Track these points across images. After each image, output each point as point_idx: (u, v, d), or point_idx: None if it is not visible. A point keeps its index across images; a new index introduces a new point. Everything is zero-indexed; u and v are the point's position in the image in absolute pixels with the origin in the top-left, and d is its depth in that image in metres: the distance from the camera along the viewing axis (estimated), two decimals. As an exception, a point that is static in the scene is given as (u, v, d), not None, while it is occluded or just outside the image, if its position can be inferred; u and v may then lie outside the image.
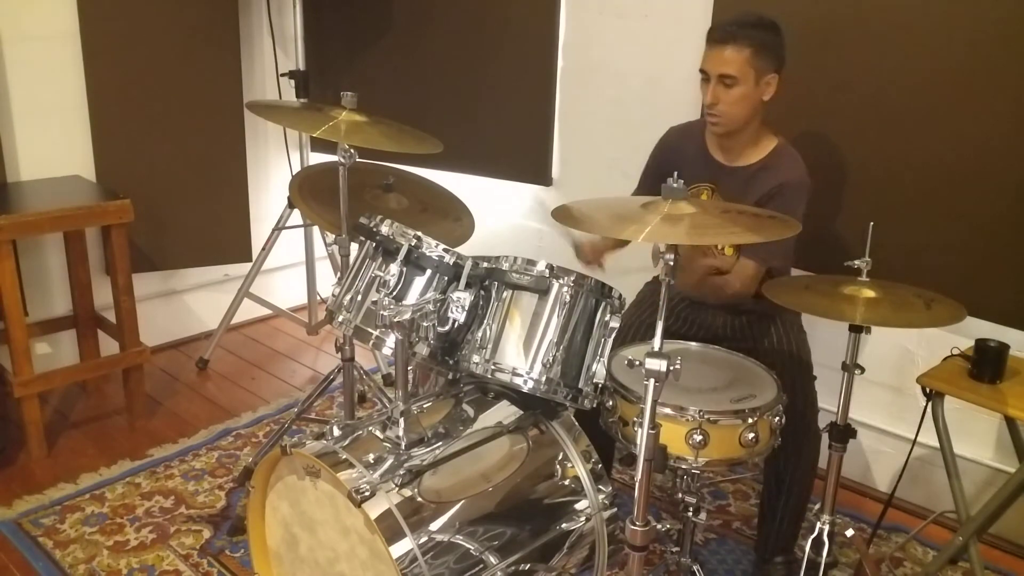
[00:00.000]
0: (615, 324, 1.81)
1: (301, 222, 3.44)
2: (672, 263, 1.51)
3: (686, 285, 2.17)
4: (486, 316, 1.80)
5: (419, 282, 1.83)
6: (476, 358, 1.79)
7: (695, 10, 2.75)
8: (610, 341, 1.82)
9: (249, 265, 3.41)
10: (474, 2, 3.30)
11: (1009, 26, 2.20)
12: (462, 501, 1.68)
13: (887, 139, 2.43)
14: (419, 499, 1.62)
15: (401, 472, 1.62)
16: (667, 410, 1.74)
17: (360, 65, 3.54)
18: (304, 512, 1.76)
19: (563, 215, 1.65)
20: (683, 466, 1.79)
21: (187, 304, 3.62)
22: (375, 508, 1.56)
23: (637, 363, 1.50)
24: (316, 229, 3.53)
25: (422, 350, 1.80)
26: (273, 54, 3.57)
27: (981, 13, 2.23)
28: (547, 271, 1.78)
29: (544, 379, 1.75)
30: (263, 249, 3.36)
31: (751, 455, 1.82)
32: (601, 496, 1.85)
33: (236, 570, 2.27)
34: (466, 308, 1.79)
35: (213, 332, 3.45)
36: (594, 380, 1.81)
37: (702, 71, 2.11)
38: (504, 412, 1.89)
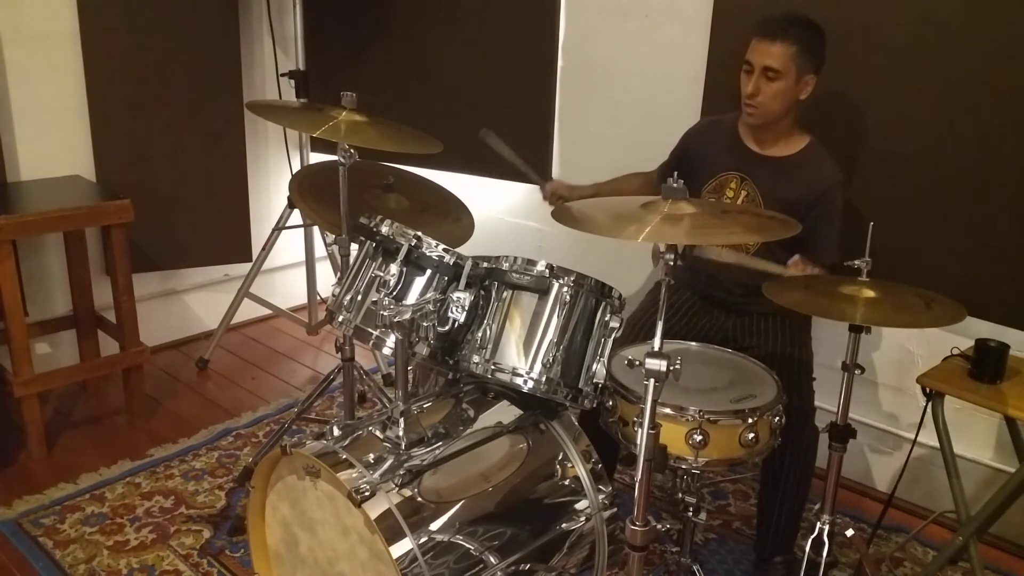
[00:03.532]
0: (615, 324, 1.82)
1: (301, 222, 3.44)
2: (672, 263, 1.50)
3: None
4: (486, 316, 1.81)
5: (419, 282, 1.83)
6: (476, 358, 1.79)
7: (695, 10, 2.76)
8: (610, 341, 1.82)
9: (249, 265, 3.41)
10: (474, 2, 3.30)
11: (1010, 27, 2.20)
12: (462, 501, 1.68)
13: (887, 139, 2.43)
14: (419, 499, 1.62)
15: (401, 472, 1.62)
16: (667, 410, 1.74)
17: (360, 65, 3.54)
18: (304, 512, 1.76)
19: (563, 215, 1.66)
20: (683, 466, 1.79)
21: (187, 304, 3.62)
22: (375, 508, 1.56)
23: (637, 363, 1.50)
24: (316, 229, 3.53)
25: (422, 350, 1.80)
26: (273, 54, 3.57)
27: (982, 13, 2.23)
28: (547, 271, 1.78)
29: (544, 379, 1.75)
30: (263, 249, 3.36)
31: (751, 455, 1.82)
32: (601, 496, 1.85)
33: (236, 570, 2.27)
34: (466, 308, 1.79)
35: (213, 332, 3.45)
36: (594, 380, 1.81)
37: (746, 62, 2.15)
38: (504, 412, 1.89)
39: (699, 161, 2.33)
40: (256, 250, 3.44)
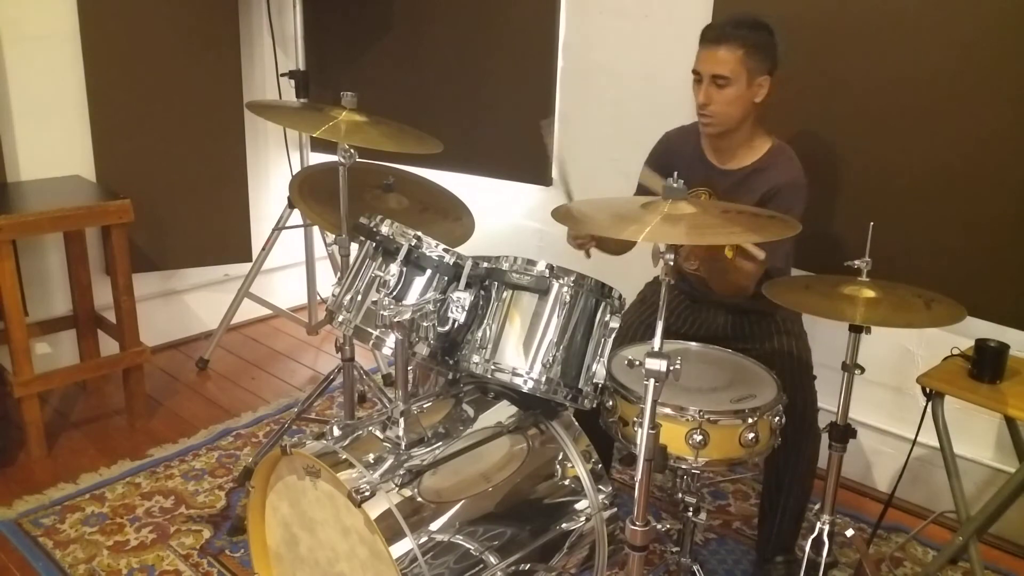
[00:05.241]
0: (615, 324, 1.81)
1: (301, 222, 3.44)
2: (672, 263, 1.51)
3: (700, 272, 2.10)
4: (486, 316, 1.81)
5: (419, 282, 1.83)
6: (476, 358, 1.79)
7: (695, 10, 2.75)
8: (610, 341, 1.82)
9: (249, 265, 3.41)
10: (474, 2, 3.30)
11: (1007, 26, 2.20)
12: (462, 501, 1.68)
13: (887, 139, 2.42)
14: (419, 499, 1.62)
15: (401, 472, 1.62)
16: (667, 410, 1.74)
17: (360, 65, 3.54)
18: (304, 512, 1.76)
19: (563, 215, 1.66)
20: (683, 466, 1.79)
21: (187, 304, 3.62)
22: (375, 508, 1.56)
23: (637, 363, 1.50)
24: (316, 229, 3.54)
25: (422, 350, 1.80)
26: (273, 54, 3.57)
27: (980, 12, 2.23)
28: (547, 271, 1.78)
29: (544, 379, 1.75)
30: (263, 249, 3.36)
31: (751, 455, 1.82)
32: (601, 496, 1.85)
33: (236, 570, 2.27)
34: (466, 308, 1.79)
35: (213, 332, 3.45)
36: (594, 380, 1.81)
37: (695, 72, 2.12)
38: (504, 412, 1.89)
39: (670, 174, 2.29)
40: (256, 250, 3.44)
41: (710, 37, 2.08)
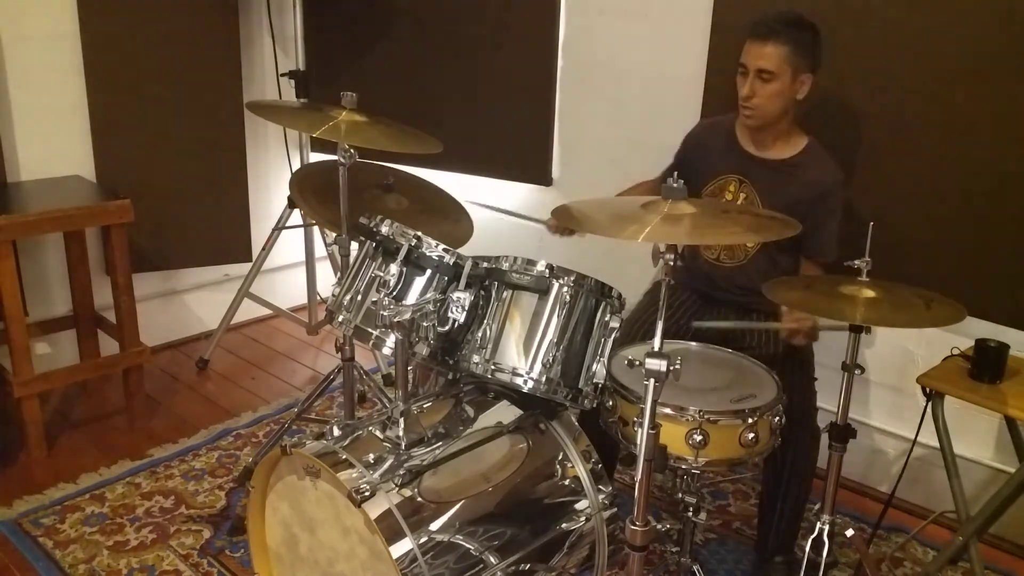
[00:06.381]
0: (615, 324, 1.82)
1: (301, 222, 3.44)
2: (672, 263, 1.50)
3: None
4: (486, 316, 1.81)
5: (419, 282, 1.83)
6: (476, 358, 1.79)
7: (695, 10, 2.76)
8: (610, 341, 1.82)
9: (249, 265, 3.41)
10: (474, 2, 3.30)
11: (1008, 26, 2.20)
12: (462, 501, 1.68)
13: (887, 139, 2.43)
14: (419, 499, 1.62)
15: (401, 472, 1.62)
16: (667, 410, 1.74)
17: (360, 65, 3.54)
18: (304, 512, 1.76)
19: (563, 215, 1.66)
20: (683, 466, 1.79)
21: (187, 304, 3.62)
22: (375, 508, 1.56)
23: (637, 363, 1.50)
24: (316, 229, 3.54)
25: (422, 350, 1.80)
26: (273, 54, 3.57)
27: (979, 11, 2.23)
28: (547, 271, 1.78)
29: (544, 379, 1.76)
30: (263, 249, 3.35)
31: (751, 455, 1.82)
32: (601, 496, 1.85)
33: (236, 570, 2.27)
34: (466, 308, 1.79)
35: (213, 332, 3.44)
36: (594, 380, 1.81)
37: (741, 64, 2.15)
38: (504, 412, 1.89)
39: (698, 164, 2.33)
40: (256, 250, 3.44)
41: (759, 32, 2.11)
